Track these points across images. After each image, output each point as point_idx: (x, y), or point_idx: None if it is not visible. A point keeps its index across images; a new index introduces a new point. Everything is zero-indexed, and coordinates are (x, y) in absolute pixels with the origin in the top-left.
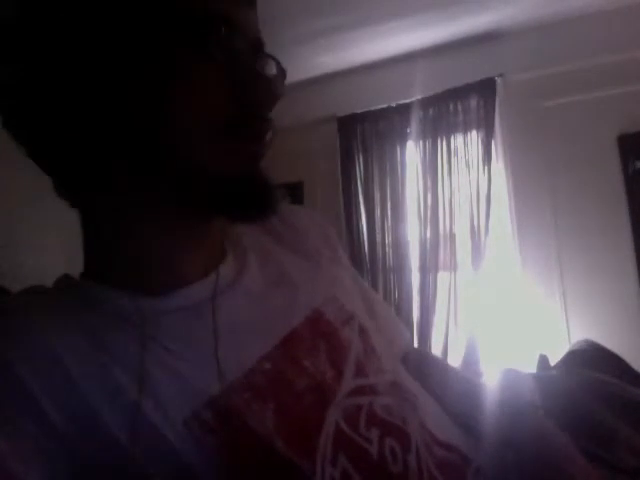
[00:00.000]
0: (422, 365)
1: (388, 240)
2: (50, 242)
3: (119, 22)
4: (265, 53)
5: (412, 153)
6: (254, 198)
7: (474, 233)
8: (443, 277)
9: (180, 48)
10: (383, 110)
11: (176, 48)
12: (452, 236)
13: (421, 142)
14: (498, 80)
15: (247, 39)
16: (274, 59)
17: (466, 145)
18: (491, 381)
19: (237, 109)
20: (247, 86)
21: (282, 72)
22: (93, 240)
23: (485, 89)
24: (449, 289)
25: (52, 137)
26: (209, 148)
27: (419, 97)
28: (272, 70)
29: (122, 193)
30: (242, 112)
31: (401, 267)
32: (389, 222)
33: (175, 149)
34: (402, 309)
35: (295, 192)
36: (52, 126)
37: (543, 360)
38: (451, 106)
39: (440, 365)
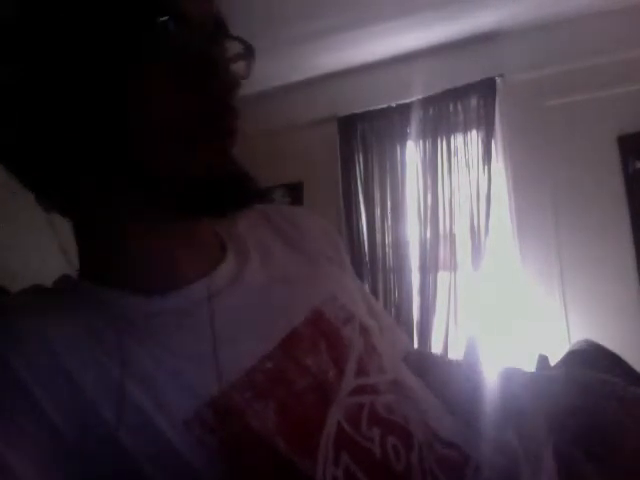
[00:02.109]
0: (422, 363)
1: (388, 240)
2: (50, 242)
3: (66, 34)
4: (224, 35)
5: (412, 153)
6: (228, 193)
7: (474, 233)
8: (443, 277)
9: (129, 52)
10: (383, 110)
11: (126, 53)
12: (452, 236)
13: (421, 142)
14: (498, 80)
15: (201, 28)
16: (236, 38)
17: (466, 145)
18: (491, 380)
19: (195, 103)
20: (203, 78)
21: (249, 50)
22: (85, 243)
23: (485, 89)
24: (449, 289)
25: (19, 152)
26: (173, 150)
27: (419, 97)
28: (236, 50)
29: (105, 199)
30: (203, 107)
31: (401, 267)
32: (389, 222)
33: (141, 154)
34: (402, 309)
35: (295, 192)
36: (18, 140)
37: (543, 360)
38: (451, 106)
39: (440, 363)
